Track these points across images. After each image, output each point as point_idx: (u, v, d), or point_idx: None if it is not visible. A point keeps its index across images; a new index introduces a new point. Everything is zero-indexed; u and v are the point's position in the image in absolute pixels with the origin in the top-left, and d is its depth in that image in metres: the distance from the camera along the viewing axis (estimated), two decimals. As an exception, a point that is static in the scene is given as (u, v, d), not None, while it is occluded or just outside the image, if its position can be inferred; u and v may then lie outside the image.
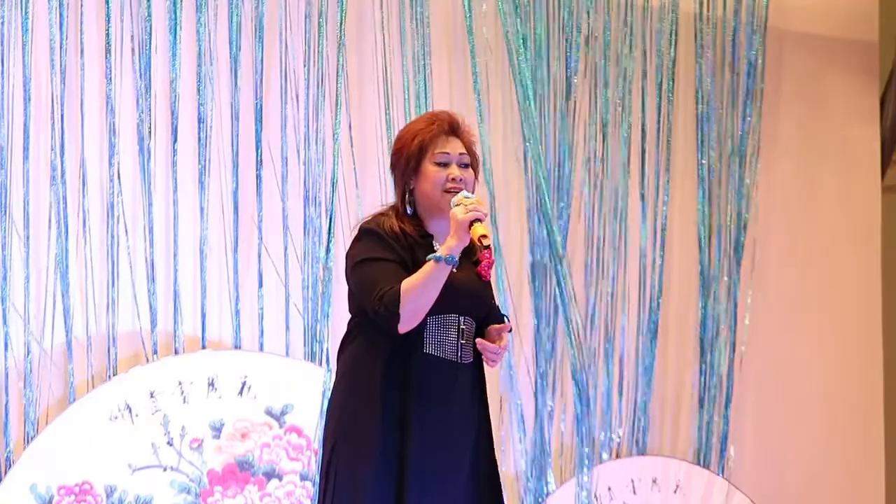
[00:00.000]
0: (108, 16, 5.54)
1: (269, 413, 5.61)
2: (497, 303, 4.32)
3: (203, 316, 5.61)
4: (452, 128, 4.14)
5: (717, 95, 6.59)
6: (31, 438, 5.31)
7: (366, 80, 5.96)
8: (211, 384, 5.55)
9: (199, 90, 5.67)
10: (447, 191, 4.06)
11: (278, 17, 5.80)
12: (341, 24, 5.88)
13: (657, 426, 6.37)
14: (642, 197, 6.40)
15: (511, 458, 6.05)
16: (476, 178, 4.15)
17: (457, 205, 3.98)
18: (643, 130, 6.43)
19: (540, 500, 6.04)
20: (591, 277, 6.28)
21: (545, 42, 6.21)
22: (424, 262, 3.98)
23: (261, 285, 5.69)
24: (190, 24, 5.68)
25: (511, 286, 6.08)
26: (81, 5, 5.52)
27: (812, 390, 6.78)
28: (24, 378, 5.34)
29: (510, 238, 6.14)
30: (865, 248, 6.92)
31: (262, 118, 5.74)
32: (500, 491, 4.13)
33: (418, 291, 3.92)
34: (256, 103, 5.74)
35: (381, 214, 4.12)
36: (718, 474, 6.38)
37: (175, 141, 5.61)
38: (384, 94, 5.93)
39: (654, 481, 6.22)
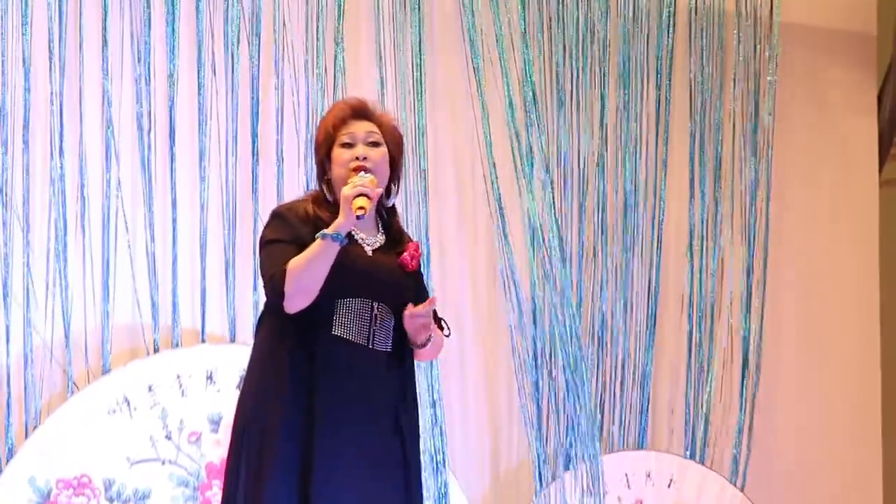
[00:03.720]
0: (105, 7, 5.55)
1: (266, 407, 5.62)
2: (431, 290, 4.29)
3: (203, 311, 5.63)
4: (357, 111, 4.11)
5: (715, 88, 6.59)
6: (32, 431, 5.33)
7: (363, 74, 5.96)
8: (209, 378, 5.57)
9: (198, 84, 5.68)
10: (354, 170, 4.02)
11: (275, 9, 5.80)
12: (339, 18, 5.89)
13: (652, 422, 6.39)
14: (640, 193, 6.42)
15: (512, 451, 6.09)
16: (397, 157, 4.12)
17: (348, 185, 3.96)
18: (641, 125, 6.44)
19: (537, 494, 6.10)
20: (588, 273, 6.31)
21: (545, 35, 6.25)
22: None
23: (255, 279, 5.71)
24: (189, 18, 5.69)
25: (514, 281, 6.10)
26: (80, -2, 5.56)
27: (811, 387, 6.77)
28: (25, 371, 5.36)
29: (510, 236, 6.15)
30: (863, 241, 6.91)
31: (259, 113, 5.74)
32: (421, 488, 4.10)
33: (302, 269, 3.89)
34: (252, 96, 5.75)
35: (298, 200, 4.12)
36: (717, 473, 6.39)
37: (172, 138, 5.63)
38: (381, 86, 5.94)
39: (648, 475, 6.25)
